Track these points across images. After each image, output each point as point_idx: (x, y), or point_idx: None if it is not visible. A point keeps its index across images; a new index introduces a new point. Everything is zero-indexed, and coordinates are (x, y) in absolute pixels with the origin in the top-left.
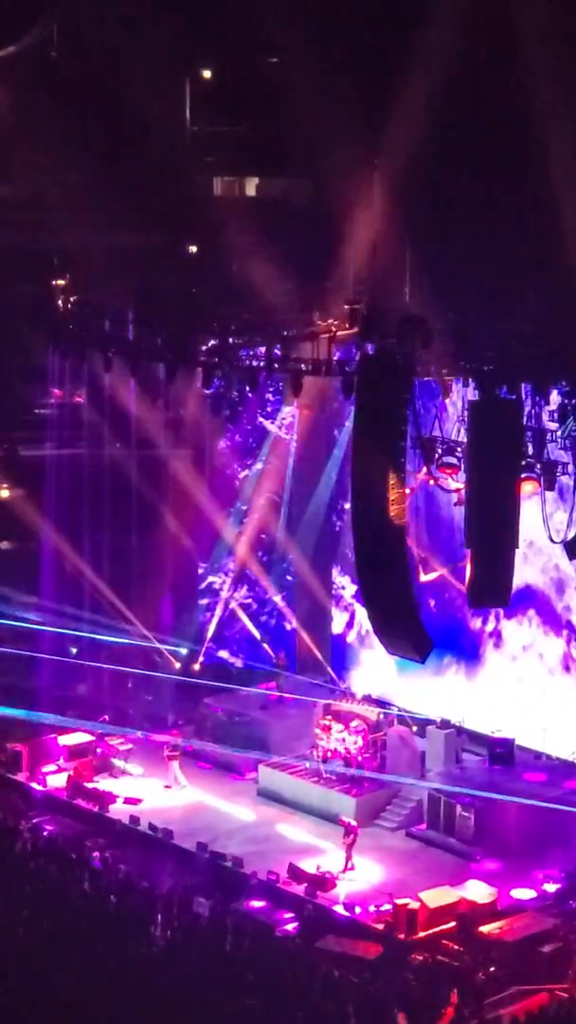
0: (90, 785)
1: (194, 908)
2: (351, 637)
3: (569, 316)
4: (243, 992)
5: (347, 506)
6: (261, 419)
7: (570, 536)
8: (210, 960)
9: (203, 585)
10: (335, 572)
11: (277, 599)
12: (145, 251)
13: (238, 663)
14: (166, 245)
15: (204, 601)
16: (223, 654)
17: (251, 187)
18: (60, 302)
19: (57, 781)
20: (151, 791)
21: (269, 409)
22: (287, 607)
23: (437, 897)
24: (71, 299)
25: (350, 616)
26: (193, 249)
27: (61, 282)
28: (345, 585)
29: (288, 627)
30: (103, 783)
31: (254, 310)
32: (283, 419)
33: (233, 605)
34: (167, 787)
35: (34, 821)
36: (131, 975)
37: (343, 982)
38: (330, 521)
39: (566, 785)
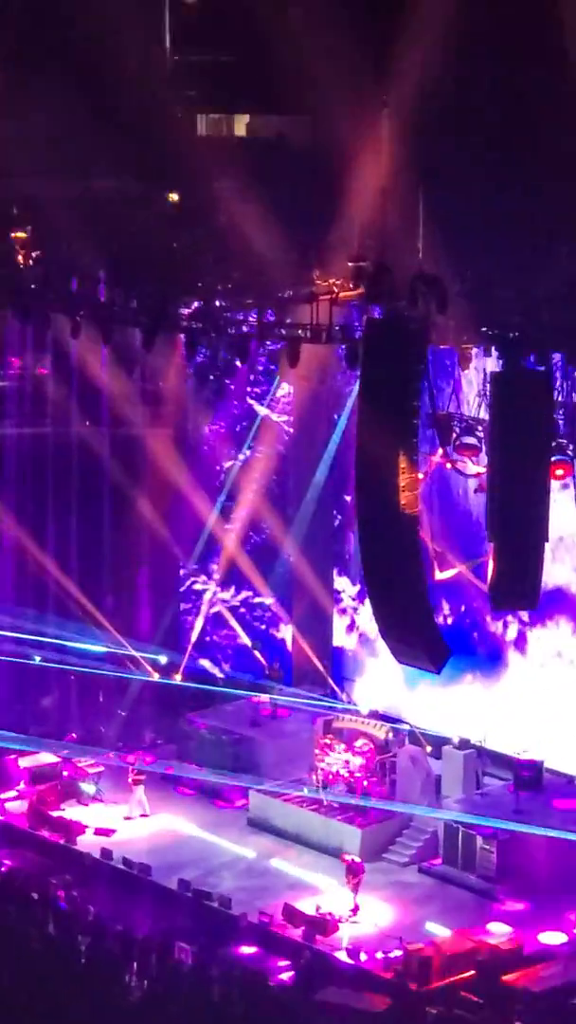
0: (55, 813)
1: (175, 955)
2: (355, 644)
3: None
4: None
5: (349, 498)
6: (251, 400)
7: None
8: (194, 1014)
9: (185, 585)
10: (334, 573)
11: (270, 601)
12: (119, 200)
13: (221, 673)
14: (143, 193)
15: (186, 603)
16: (207, 663)
17: (240, 126)
18: (21, 258)
19: (17, 809)
20: (126, 821)
21: (259, 390)
22: (282, 610)
23: (454, 942)
24: (33, 255)
25: (352, 620)
26: (174, 198)
27: (22, 235)
28: (346, 587)
29: (282, 633)
30: (70, 811)
31: (244, 268)
32: (276, 400)
33: (219, 607)
34: (128, 818)
35: None
36: None
37: None
38: (330, 515)
39: None
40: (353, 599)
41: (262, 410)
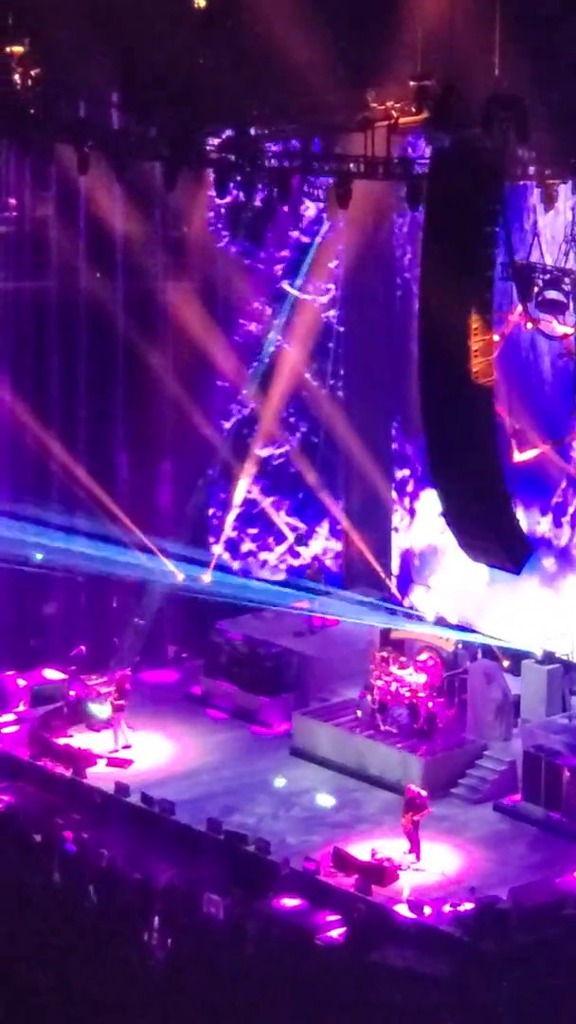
0: (62, 741)
1: (204, 908)
2: (418, 539)
3: None
4: (270, 1021)
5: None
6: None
7: None
8: (225, 978)
9: (215, 467)
10: (395, 451)
11: (317, 489)
12: (135, 5)
13: (256, 574)
14: None
15: (216, 493)
16: (239, 563)
17: None
18: (18, 78)
19: (16, 736)
20: (144, 750)
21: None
22: (331, 499)
23: (536, 893)
24: (32, 74)
25: (414, 512)
26: (201, 3)
27: (19, 49)
28: (407, 471)
29: (326, 530)
30: (79, 738)
31: (285, 88)
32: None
33: (256, 495)
34: (123, 747)
35: None
36: (118, 997)
37: (407, 1008)
38: (390, 389)
39: None
40: (418, 486)
41: (297, 293)
